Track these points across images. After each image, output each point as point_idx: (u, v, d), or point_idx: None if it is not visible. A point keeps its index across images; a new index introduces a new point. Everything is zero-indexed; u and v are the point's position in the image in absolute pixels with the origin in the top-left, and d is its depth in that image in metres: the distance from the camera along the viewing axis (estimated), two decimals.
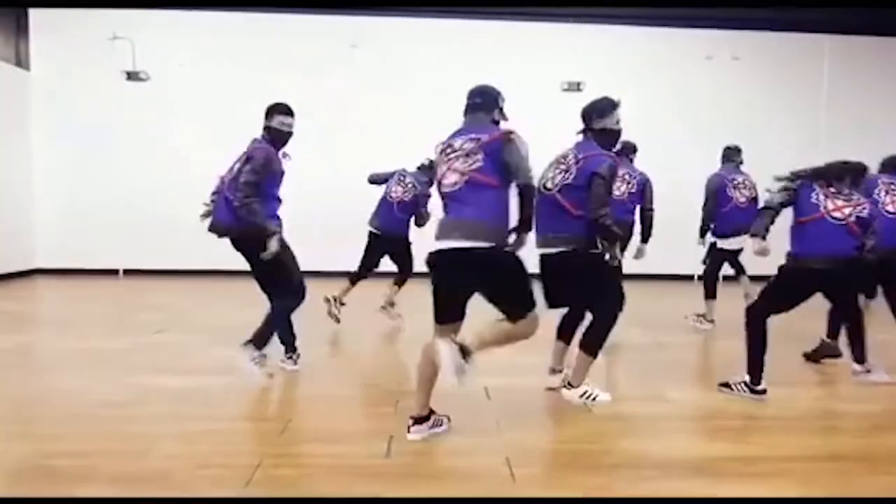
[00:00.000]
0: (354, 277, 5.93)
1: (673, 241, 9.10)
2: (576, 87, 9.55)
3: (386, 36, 9.49)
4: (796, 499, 2.26)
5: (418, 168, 5.98)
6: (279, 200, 4.01)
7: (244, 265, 4.03)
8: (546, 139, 10.34)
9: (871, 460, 2.86)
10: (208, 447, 2.93)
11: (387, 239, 5.87)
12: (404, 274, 5.95)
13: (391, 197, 5.87)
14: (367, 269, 5.92)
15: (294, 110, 4.15)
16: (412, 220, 5.89)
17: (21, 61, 9.29)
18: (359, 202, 9.18)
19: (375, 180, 6.10)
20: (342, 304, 5.88)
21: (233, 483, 2.52)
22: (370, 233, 5.98)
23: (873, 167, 6.93)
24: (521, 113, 10.34)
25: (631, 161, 5.93)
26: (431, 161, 5.68)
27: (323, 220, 8.91)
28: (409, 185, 5.85)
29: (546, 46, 9.60)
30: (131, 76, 9.17)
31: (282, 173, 4.01)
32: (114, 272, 9.49)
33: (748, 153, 9.64)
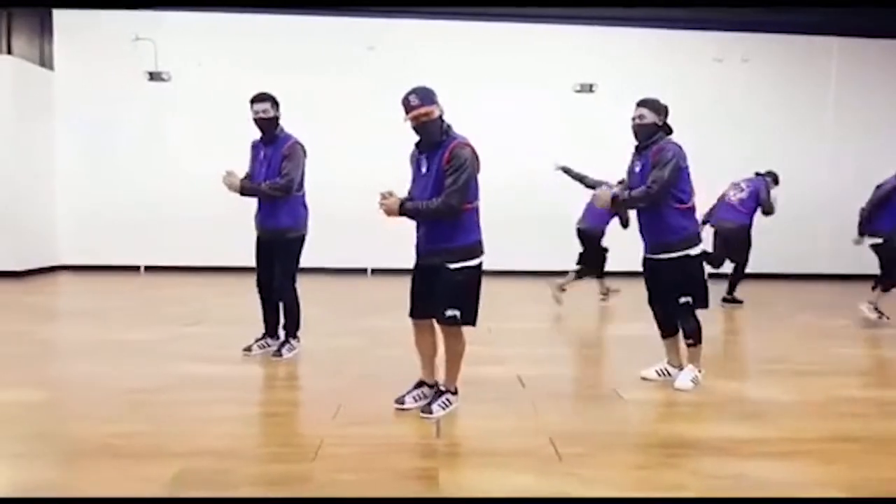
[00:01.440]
0: (601, 273, 7.21)
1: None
2: (588, 88, 9.76)
3: (402, 37, 9.68)
4: (796, 499, 2.41)
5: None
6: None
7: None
8: (558, 140, 10.64)
9: (888, 442, 3.05)
10: (265, 429, 3.14)
11: (588, 236, 7.06)
12: (591, 267, 7.09)
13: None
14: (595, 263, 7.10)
15: (271, 94, 4.36)
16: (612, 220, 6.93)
17: (45, 61, 9.49)
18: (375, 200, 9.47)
19: (586, 182, 7.01)
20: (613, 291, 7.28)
21: (298, 459, 2.71)
22: (578, 230, 7.14)
23: (881, 168, 7.17)
24: (534, 113, 10.67)
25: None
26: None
27: (342, 217, 9.11)
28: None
29: (559, 48, 9.80)
30: (153, 76, 9.37)
31: (258, 161, 4.41)
32: (135, 268, 9.69)
33: (756, 154, 9.89)
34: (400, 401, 3.36)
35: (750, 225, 7.27)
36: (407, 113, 3.15)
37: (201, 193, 9.51)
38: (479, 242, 3.26)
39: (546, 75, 9.76)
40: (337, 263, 9.30)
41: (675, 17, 9.64)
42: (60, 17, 9.51)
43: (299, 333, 4.57)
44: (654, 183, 3.67)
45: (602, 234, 7.09)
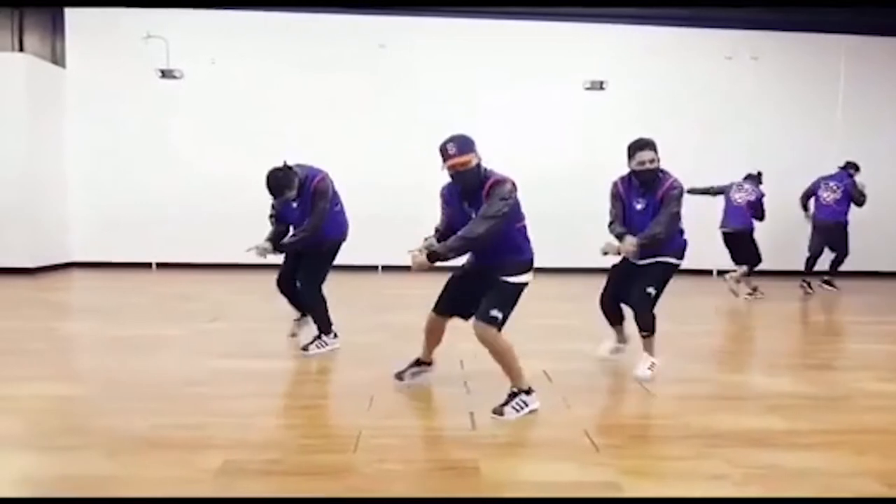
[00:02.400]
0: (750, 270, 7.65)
1: (693, 237, 9.36)
2: (598, 86, 9.78)
3: (413, 35, 9.70)
4: (796, 499, 2.42)
5: (747, 177, 7.81)
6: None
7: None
8: (569, 138, 10.66)
9: None
10: (303, 421, 3.17)
11: (737, 238, 7.55)
12: (752, 263, 7.56)
13: (737, 202, 7.56)
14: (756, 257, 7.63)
15: (288, 183, 4.27)
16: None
17: (57, 59, 9.51)
18: (391, 197, 9.53)
19: (712, 192, 7.82)
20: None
21: (340, 449, 2.75)
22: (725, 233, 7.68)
23: (890, 167, 7.25)
24: (544, 111, 10.69)
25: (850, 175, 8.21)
26: (759, 172, 7.91)
27: (353, 213, 9.14)
28: (748, 190, 7.59)
29: (569, 46, 9.83)
30: (165, 74, 9.39)
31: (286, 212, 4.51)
32: (147, 265, 9.72)
33: (765, 152, 9.94)
34: (399, 376, 3.72)
35: (846, 221, 8.29)
36: (444, 161, 3.21)
37: (213, 190, 9.59)
38: (531, 260, 3.36)
39: (557, 73, 9.79)
40: (348, 260, 9.31)
41: (686, 14, 9.67)
42: (72, 14, 9.52)
43: (335, 329, 4.60)
44: (660, 225, 3.86)
45: (752, 231, 7.66)
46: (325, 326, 4.53)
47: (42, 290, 7.75)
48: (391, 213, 9.19)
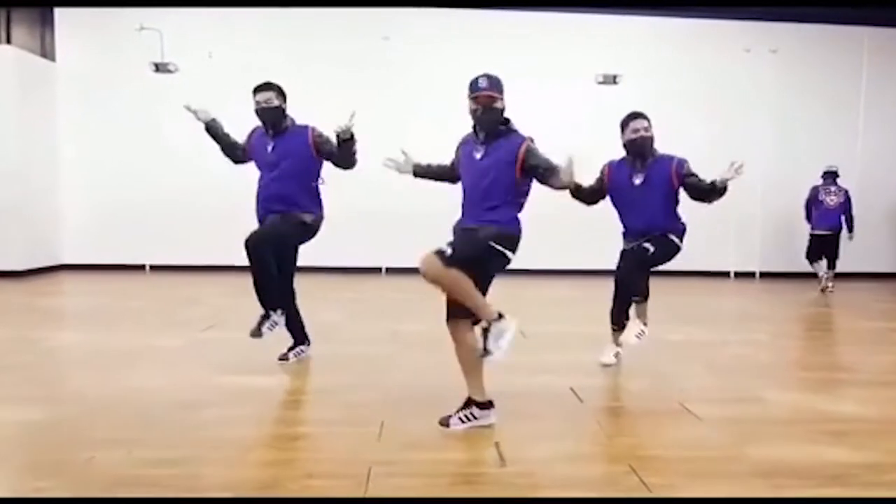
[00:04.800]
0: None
1: (710, 238, 9.00)
2: (612, 79, 9.40)
3: (419, 28, 9.31)
4: (798, 498, 2.20)
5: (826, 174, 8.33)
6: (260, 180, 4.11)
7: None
8: (581, 133, 10.30)
9: None
10: (307, 454, 2.78)
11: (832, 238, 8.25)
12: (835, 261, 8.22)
13: (829, 204, 8.23)
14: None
15: (276, 84, 4.18)
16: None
17: (47, 52, 9.11)
18: (396, 195, 9.11)
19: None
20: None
21: (350, 489, 2.37)
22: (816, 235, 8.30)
23: None
24: (556, 106, 10.30)
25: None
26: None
27: (355, 213, 8.76)
28: (837, 191, 8.23)
29: (581, 38, 9.44)
30: (159, 68, 8.99)
31: (259, 153, 4.14)
32: (140, 267, 9.33)
33: (785, 148, 9.54)
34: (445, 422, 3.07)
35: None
36: (472, 93, 3.06)
37: (208, 189, 9.17)
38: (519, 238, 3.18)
39: (567, 66, 9.39)
40: (350, 262, 8.96)
41: (702, 5, 9.26)
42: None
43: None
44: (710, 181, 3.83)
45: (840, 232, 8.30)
46: (272, 302, 3.96)
47: (30, 294, 7.37)
48: (396, 210, 8.81)
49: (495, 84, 3.07)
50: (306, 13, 9.14)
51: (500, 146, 3.08)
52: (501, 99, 3.10)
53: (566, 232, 8.71)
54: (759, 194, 9.57)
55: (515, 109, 10.24)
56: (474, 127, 3.17)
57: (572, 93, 9.44)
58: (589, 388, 3.68)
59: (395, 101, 9.27)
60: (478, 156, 3.14)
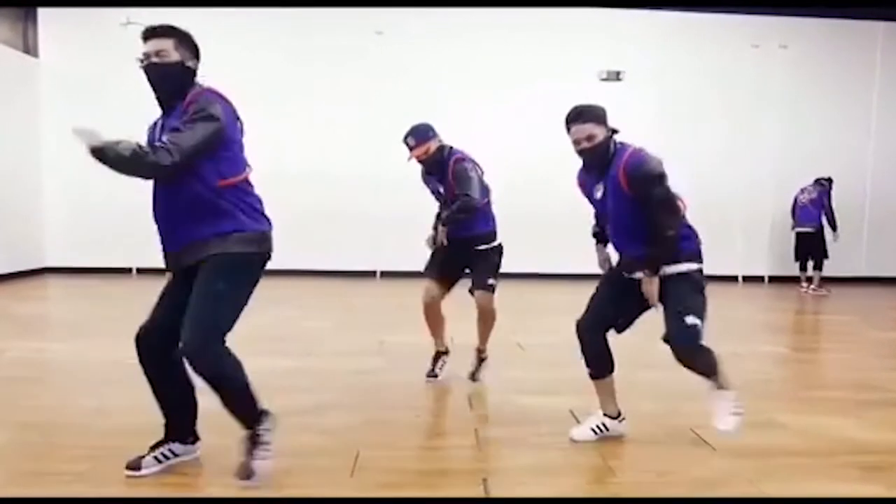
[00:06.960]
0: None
1: (716, 239, 8.65)
2: (614, 76, 9.08)
3: (414, 24, 8.99)
4: (797, 499, 1.81)
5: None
6: None
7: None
8: None
9: None
10: (269, 491, 2.46)
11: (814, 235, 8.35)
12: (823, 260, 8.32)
13: (803, 201, 8.38)
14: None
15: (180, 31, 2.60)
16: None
17: (29, 48, 8.82)
18: (390, 195, 8.81)
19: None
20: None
21: None
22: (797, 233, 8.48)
23: None
24: (557, 104, 9.88)
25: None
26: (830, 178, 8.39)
27: (347, 214, 8.46)
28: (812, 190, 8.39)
29: (583, 34, 9.12)
30: None
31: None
32: (126, 271, 9.03)
33: (795, 146, 9.20)
34: (432, 374, 3.92)
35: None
36: (410, 152, 3.70)
37: None
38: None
39: (569, 62, 9.05)
40: (343, 266, 8.64)
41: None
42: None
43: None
44: (658, 227, 2.76)
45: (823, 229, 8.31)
46: (252, 414, 2.63)
47: (10, 298, 7.07)
48: (390, 212, 8.49)
49: (419, 136, 3.67)
50: (297, 8, 8.82)
51: (445, 176, 3.82)
52: (433, 141, 3.72)
53: (567, 233, 8.38)
54: (769, 194, 9.23)
55: (515, 109, 9.92)
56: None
57: (573, 90, 9.04)
58: (590, 411, 3.34)
59: (389, 99, 8.93)
60: (441, 190, 3.85)
